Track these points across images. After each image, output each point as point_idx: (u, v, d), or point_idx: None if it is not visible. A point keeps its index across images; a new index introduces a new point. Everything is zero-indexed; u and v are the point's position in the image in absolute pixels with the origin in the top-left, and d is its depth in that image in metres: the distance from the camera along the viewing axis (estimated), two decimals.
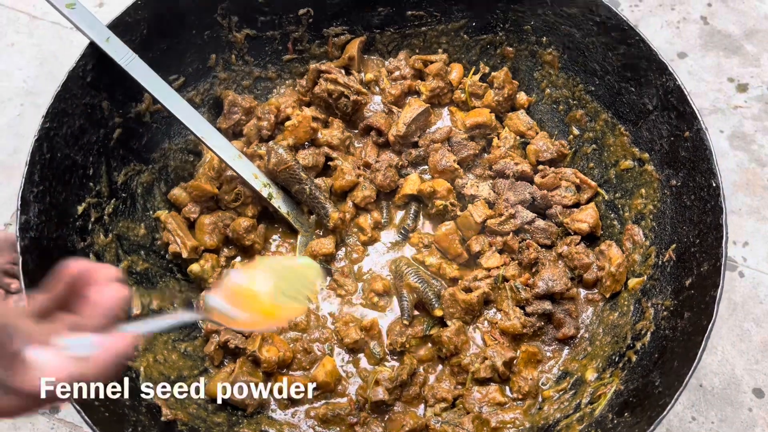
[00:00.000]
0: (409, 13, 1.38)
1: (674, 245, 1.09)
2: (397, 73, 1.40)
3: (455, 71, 1.40)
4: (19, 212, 0.97)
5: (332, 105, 1.35)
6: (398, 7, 1.37)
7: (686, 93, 1.09)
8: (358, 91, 1.32)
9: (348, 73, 1.40)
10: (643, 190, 1.19)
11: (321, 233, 1.30)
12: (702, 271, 1.00)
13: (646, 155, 1.18)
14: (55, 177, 1.04)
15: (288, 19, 1.34)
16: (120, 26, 1.12)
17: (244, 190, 1.26)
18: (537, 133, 1.36)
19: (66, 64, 1.85)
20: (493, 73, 1.38)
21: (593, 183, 1.28)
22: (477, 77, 1.39)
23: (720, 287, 0.94)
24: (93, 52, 1.10)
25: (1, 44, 1.80)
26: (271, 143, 1.27)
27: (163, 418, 1.01)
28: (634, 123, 1.20)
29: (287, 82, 1.42)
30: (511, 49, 1.37)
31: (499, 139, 1.35)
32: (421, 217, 1.32)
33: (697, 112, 1.07)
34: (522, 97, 1.39)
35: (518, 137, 1.36)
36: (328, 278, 1.27)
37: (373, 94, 1.40)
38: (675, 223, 1.10)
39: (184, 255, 1.21)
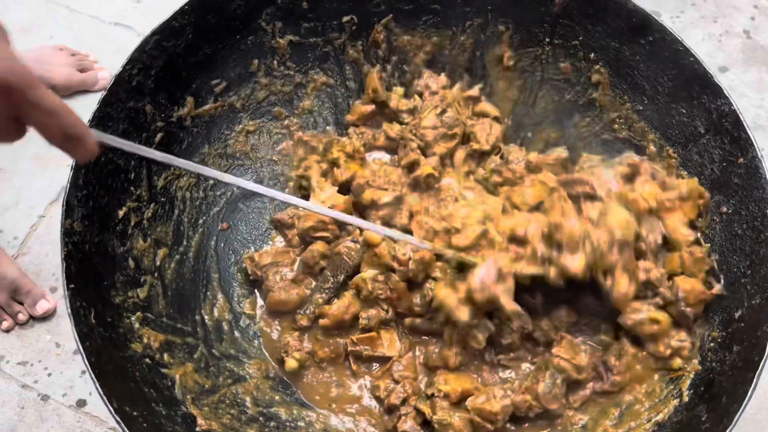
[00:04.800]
0: (453, 23, 1.36)
1: (723, 275, 1.07)
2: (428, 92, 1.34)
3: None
4: (63, 217, 0.97)
5: None
6: (443, 17, 1.35)
7: (742, 118, 1.06)
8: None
9: (390, 117, 1.35)
10: None
11: None
12: (753, 304, 0.98)
13: (695, 180, 1.15)
14: (99, 181, 1.04)
15: (331, 26, 1.32)
16: (166, 30, 1.12)
17: None
18: None
19: (103, 59, 1.84)
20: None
21: None
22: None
23: None
24: (139, 55, 1.09)
25: (40, 37, 1.80)
26: None
27: (198, 429, 1.01)
28: (684, 146, 1.17)
29: None
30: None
31: None
32: None
33: (753, 138, 1.04)
34: None
35: None
36: None
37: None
38: (724, 251, 1.07)
39: (293, 366, 1.17)
